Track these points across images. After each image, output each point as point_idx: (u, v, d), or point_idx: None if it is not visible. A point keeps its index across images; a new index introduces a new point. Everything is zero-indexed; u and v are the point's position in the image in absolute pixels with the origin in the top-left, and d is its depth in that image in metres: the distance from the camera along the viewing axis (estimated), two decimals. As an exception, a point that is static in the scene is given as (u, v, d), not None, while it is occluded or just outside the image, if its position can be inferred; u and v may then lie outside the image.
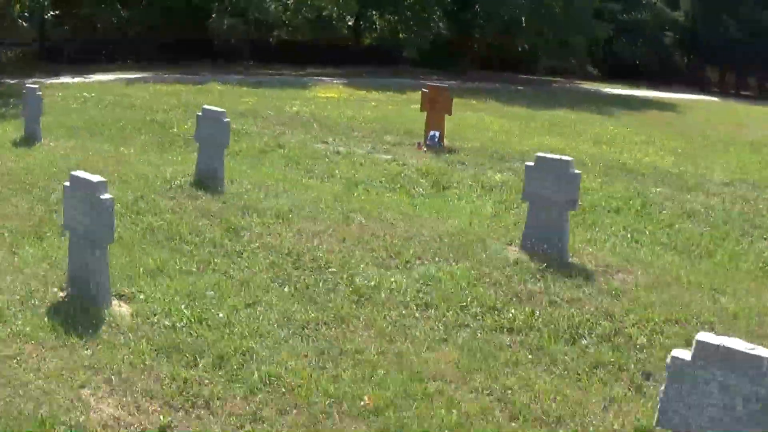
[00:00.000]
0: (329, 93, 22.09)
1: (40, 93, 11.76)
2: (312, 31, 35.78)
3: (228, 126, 9.14)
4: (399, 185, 10.23)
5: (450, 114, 13.65)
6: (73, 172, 5.62)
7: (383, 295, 6.12)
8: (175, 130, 13.38)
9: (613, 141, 16.51)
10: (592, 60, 50.07)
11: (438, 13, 35.41)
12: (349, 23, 40.19)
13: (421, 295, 6.20)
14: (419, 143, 13.38)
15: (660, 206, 10.62)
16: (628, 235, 9.08)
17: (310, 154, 11.79)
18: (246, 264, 6.59)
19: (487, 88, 29.50)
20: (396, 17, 36.41)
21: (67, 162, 10.15)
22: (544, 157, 7.49)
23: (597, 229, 9.16)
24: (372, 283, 6.31)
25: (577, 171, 7.41)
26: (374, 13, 35.90)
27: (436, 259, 7.02)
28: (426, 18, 34.84)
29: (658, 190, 11.55)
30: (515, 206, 9.69)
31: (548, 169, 7.36)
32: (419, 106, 14.00)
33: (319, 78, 28.71)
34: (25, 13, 26.97)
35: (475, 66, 40.76)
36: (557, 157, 7.51)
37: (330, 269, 6.57)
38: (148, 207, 8.00)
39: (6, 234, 7.22)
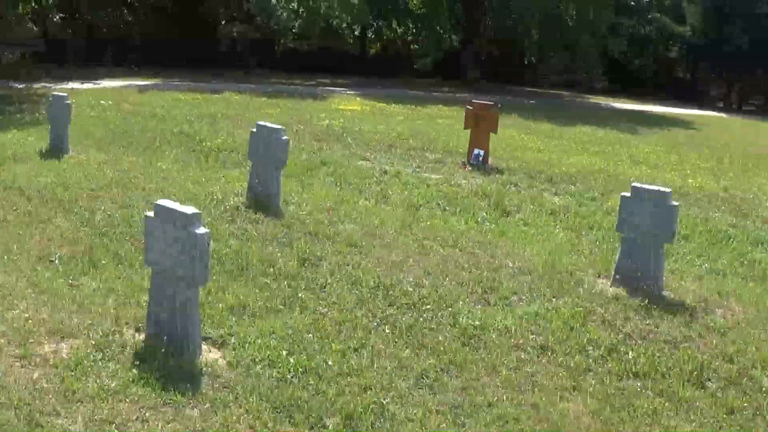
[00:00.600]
0: (351, 106, 21.58)
1: (69, 102, 11.09)
2: (320, 40, 35.33)
3: (287, 144, 8.58)
4: (460, 209, 9.68)
5: (495, 132, 13.16)
6: (159, 202, 5.02)
7: (493, 337, 5.59)
8: (208, 143, 12.78)
9: (650, 161, 16.09)
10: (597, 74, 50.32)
11: (449, 24, 35.08)
12: (356, 32, 39.83)
13: (533, 336, 5.68)
14: (464, 162, 12.86)
15: (725, 233, 10.13)
16: (706, 265, 8.60)
17: (356, 172, 11.23)
18: (334, 300, 6.02)
19: (501, 102, 29.03)
20: (405, 28, 36.05)
21: (104, 177, 9.56)
22: (641, 188, 7.07)
23: (674, 258, 8.65)
24: (477, 323, 5.79)
25: (675, 203, 6.97)
26: (383, 23, 35.51)
27: (534, 295, 6.50)
28: (438, 30, 34.50)
29: (717, 215, 11.07)
30: (584, 233, 9.17)
31: (645, 200, 6.96)
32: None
33: (331, 89, 28.21)
34: (28, 15, 26.34)
35: (479, 78, 40.50)
36: (655, 187, 7.14)
37: (426, 306, 6.03)
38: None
39: (57, 262, 6.59)
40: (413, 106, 23.22)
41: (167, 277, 4.95)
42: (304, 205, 8.76)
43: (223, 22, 29.74)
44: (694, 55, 48.97)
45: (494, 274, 6.90)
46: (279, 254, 6.93)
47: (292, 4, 30.32)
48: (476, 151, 13.00)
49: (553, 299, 6.43)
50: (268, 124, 8.72)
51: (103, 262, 6.66)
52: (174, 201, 4.60)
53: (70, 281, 6.17)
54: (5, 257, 6.47)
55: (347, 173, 11.03)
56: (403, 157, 13.07)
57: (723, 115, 40.07)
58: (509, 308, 6.15)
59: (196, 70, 28.71)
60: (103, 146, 12.10)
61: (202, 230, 4.75)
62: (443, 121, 19.51)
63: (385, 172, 11.43)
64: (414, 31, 35.71)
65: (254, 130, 8.77)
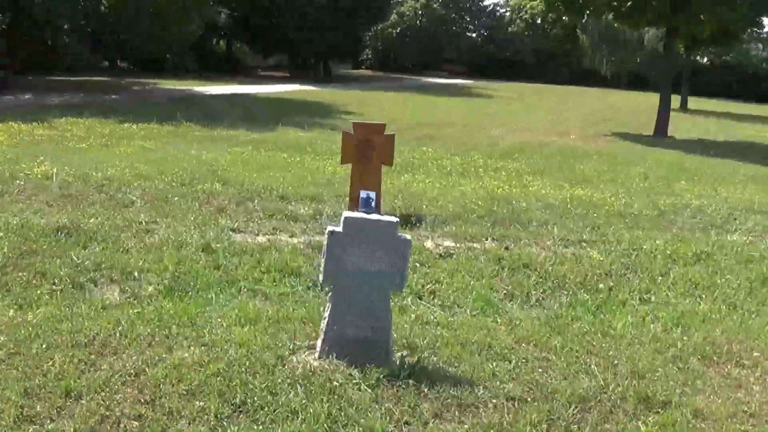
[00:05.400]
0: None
1: None
2: None
3: (409, 247, 6.02)
4: (536, 298, 8.21)
5: (390, 164, 11.42)
6: None
7: None
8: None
9: (469, 171, 16.12)
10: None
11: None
12: None
13: None
14: (363, 213, 10.87)
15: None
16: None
17: (284, 259, 8.66)
18: None
19: (90, 102, 27.37)
20: None
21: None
22: None
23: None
24: None
25: None
26: None
27: None
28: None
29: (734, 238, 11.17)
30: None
31: None
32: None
33: None
34: None
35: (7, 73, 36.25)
36: None
37: None
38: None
39: None
40: (46, 124, 19.78)
41: None
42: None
43: None
44: (243, 27, 52.22)
45: None
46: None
47: None
48: (364, 194, 11.03)
49: None
50: (372, 217, 6.01)
51: None
52: None
53: None
54: None
55: (273, 265, 8.42)
56: (271, 217, 10.56)
57: (310, 87, 43.28)
58: None
59: None
60: None
61: None
62: (147, 143, 17.24)
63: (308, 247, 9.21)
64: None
65: (337, 228, 5.93)
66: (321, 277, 6.06)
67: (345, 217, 5.93)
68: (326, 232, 5.96)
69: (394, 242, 5.90)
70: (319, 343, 6.07)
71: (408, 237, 6.01)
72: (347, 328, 5.96)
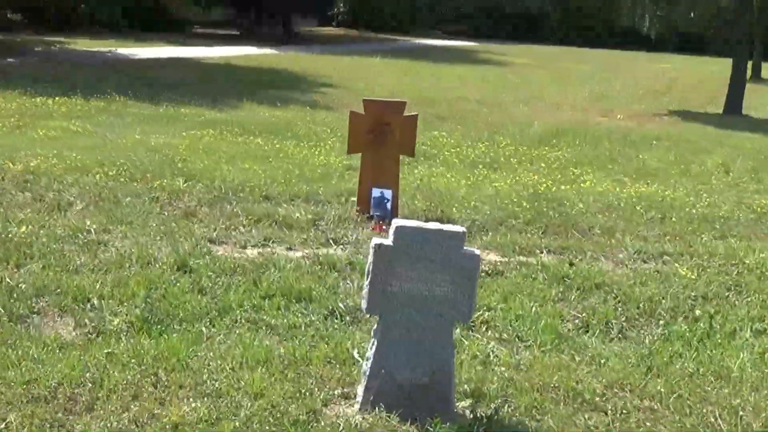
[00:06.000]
0: None
1: None
2: None
3: (479, 266, 6.05)
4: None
5: (412, 154, 11.52)
6: None
7: None
8: None
9: (499, 162, 16.22)
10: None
11: None
12: None
13: None
14: (377, 219, 10.90)
15: None
16: None
17: (294, 278, 8.70)
18: None
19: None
20: None
21: None
22: None
23: None
24: None
25: None
26: None
27: None
28: None
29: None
30: None
31: None
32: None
33: None
34: None
35: None
36: None
37: None
38: None
39: None
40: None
41: None
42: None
43: None
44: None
45: None
46: None
47: None
48: (377, 192, 11.16)
49: None
50: (430, 226, 6.03)
51: None
52: None
53: None
54: None
55: (274, 287, 8.46)
56: (241, 225, 10.57)
57: (269, 50, 43.65)
58: None
59: None
60: None
61: None
62: (72, 123, 17.39)
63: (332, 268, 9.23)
64: None
65: (385, 242, 5.93)
66: (364, 305, 6.06)
67: (396, 227, 5.94)
68: (372, 246, 5.96)
69: (461, 259, 5.90)
70: (360, 390, 6.09)
71: (477, 252, 6.03)
72: (398, 372, 5.99)
